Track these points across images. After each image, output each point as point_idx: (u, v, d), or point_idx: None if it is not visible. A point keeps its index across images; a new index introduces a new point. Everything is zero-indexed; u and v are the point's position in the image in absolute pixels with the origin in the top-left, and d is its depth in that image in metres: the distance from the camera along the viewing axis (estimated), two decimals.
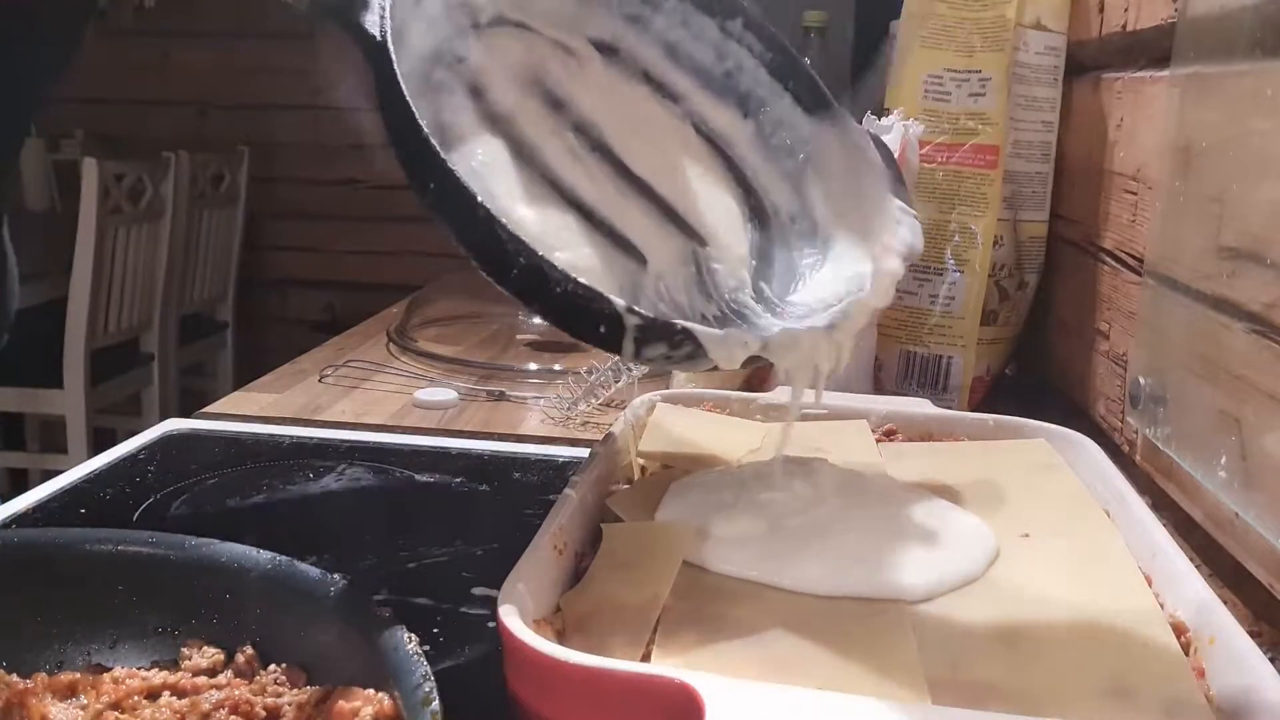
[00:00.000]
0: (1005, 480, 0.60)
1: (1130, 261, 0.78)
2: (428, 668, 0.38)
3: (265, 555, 0.45)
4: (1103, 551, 0.52)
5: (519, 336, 1.20)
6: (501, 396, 1.01)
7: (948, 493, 0.58)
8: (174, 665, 0.45)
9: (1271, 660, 0.40)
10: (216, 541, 0.46)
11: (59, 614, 0.46)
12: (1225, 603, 0.45)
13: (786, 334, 0.46)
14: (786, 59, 0.56)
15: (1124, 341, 0.78)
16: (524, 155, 0.48)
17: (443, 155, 0.41)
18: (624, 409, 0.70)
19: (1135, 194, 0.77)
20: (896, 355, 0.92)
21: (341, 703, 0.39)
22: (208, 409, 0.96)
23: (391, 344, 1.20)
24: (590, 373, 0.96)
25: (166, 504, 0.66)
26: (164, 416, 0.95)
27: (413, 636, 0.40)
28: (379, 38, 0.43)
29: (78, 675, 0.43)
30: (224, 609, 0.45)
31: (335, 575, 0.44)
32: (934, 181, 0.91)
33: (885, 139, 0.81)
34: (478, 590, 0.60)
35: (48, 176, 3.20)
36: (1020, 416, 0.69)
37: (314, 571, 0.44)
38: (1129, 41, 0.80)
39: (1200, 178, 0.63)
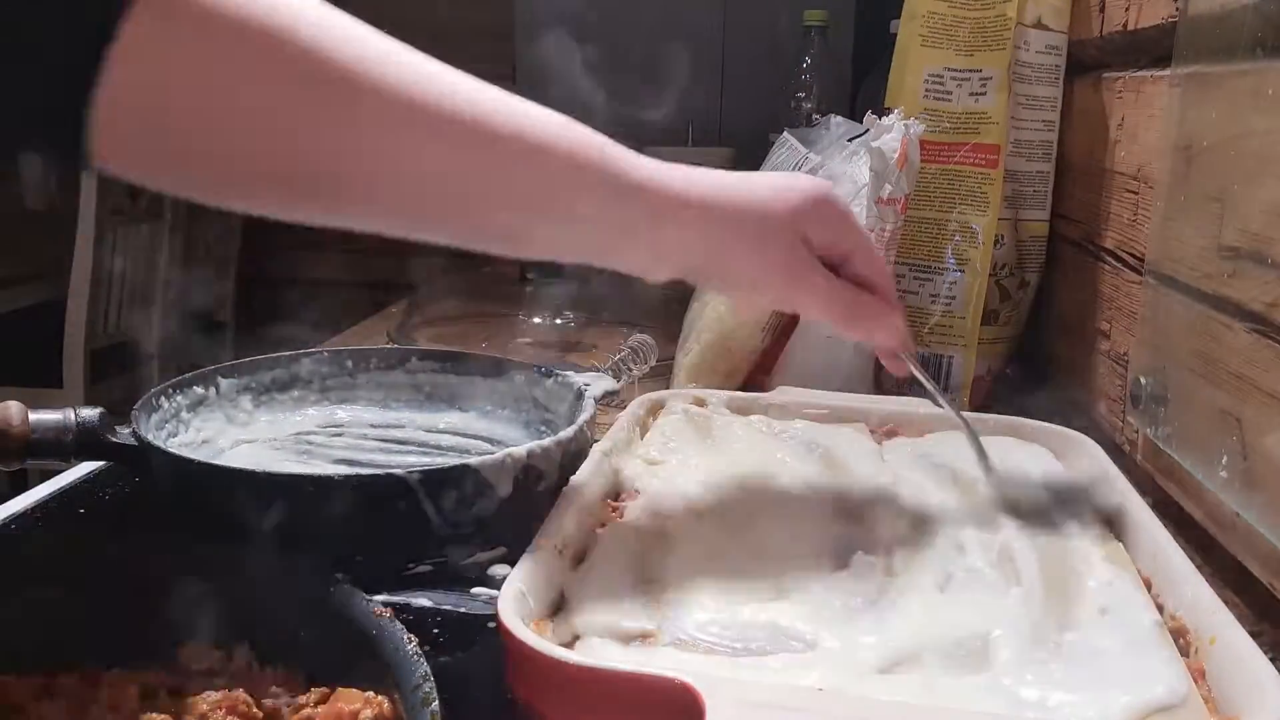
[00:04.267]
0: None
1: (1131, 261, 0.77)
2: (427, 668, 0.37)
3: (265, 555, 0.45)
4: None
5: (519, 340, 1.20)
6: None
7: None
8: (173, 665, 0.45)
9: (1271, 660, 0.40)
10: (216, 542, 0.46)
11: (58, 614, 0.46)
12: (1225, 603, 0.44)
13: None
14: None
15: (1125, 341, 0.78)
16: None
17: None
18: (624, 409, 0.70)
19: (1136, 193, 0.77)
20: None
21: (341, 704, 0.39)
22: None
23: (391, 344, 1.19)
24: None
25: (166, 504, 0.66)
26: None
27: (412, 637, 0.39)
28: None
29: (75, 676, 0.43)
30: (223, 609, 0.45)
31: (336, 575, 0.44)
32: (935, 181, 0.90)
33: (886, 138, 0.81)
34: (478, 590, 0.60)
35: (48, 176, 3.19)
36: (1020, 416, 0.69)
37: (314, 571, 0.44)
38: (1130, 40, 0.80)
39: (1201, 177, 0.63)
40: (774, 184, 0.54)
